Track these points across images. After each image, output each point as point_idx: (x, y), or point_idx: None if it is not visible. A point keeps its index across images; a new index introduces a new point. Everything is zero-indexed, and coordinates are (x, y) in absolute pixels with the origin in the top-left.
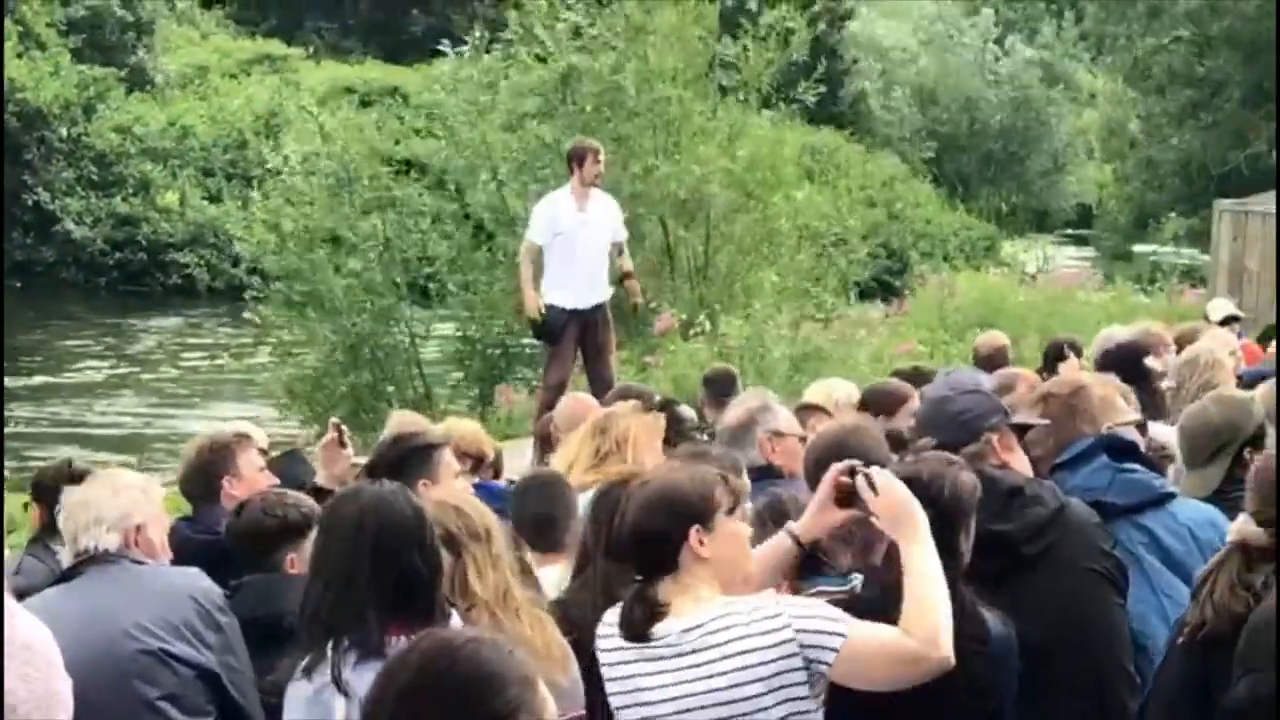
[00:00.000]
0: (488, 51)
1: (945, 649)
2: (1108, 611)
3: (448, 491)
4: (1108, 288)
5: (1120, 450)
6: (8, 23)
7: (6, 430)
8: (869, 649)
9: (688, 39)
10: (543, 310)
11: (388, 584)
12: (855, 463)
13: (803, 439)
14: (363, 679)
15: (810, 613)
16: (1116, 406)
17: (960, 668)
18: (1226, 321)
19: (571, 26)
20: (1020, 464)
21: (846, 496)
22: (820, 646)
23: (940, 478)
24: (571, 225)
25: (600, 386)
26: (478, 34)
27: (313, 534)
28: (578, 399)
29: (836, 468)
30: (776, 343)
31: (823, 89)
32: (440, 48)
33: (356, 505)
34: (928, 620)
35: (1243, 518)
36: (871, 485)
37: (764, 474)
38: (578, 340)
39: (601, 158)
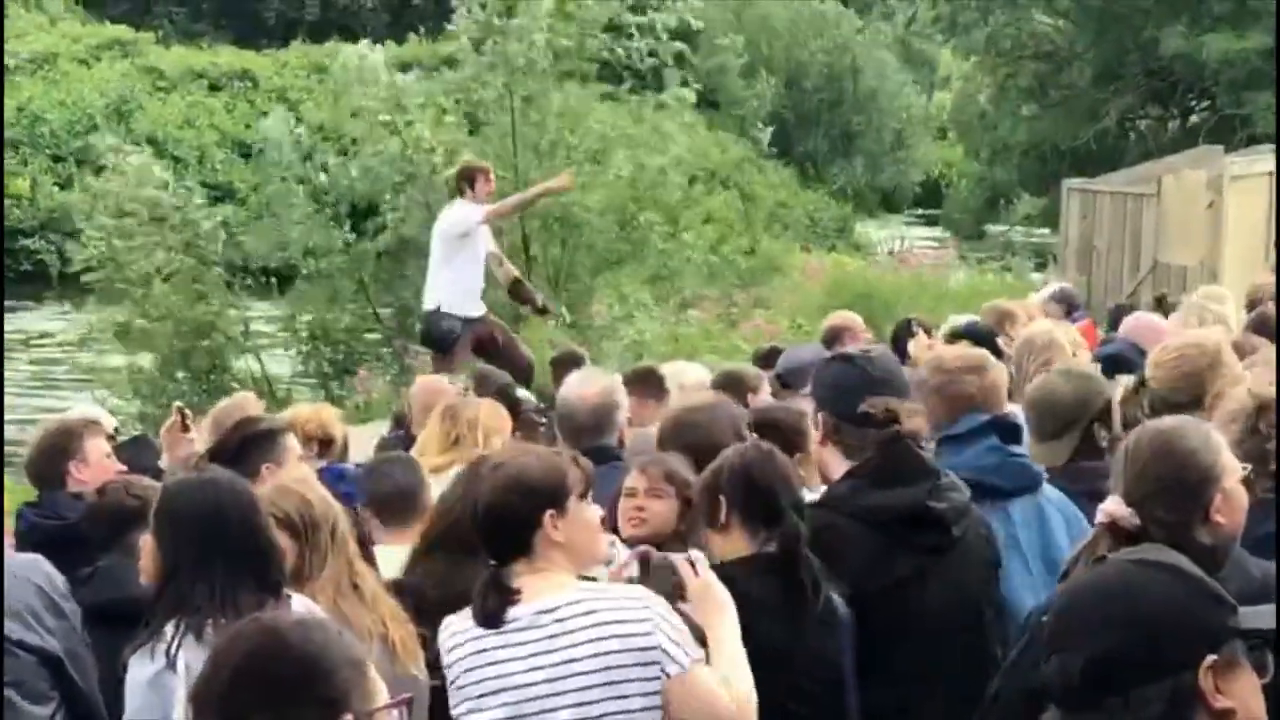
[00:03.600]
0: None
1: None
2: (997, 599)
3: (291, 477)
4: (968, 268)
5: (1008, 432)
6: None
7: None
8: (694, 691)
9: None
10: (454, 323)
11: (219, 568)
12: (674, 558)
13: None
14: (198, 658)
15: (675, 622)
16: (1004, 393)
17: (816, 644)
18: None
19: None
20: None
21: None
22: (673, 657)
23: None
24: (475, 237)
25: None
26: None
27: None
28: (429, 381)
29: (638, 550)
30: (641, 329)
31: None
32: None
33: (185, 492)
34: (743, 687)
35: (1113, 499)
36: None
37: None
38: (474, 349)
39: (492, 178)
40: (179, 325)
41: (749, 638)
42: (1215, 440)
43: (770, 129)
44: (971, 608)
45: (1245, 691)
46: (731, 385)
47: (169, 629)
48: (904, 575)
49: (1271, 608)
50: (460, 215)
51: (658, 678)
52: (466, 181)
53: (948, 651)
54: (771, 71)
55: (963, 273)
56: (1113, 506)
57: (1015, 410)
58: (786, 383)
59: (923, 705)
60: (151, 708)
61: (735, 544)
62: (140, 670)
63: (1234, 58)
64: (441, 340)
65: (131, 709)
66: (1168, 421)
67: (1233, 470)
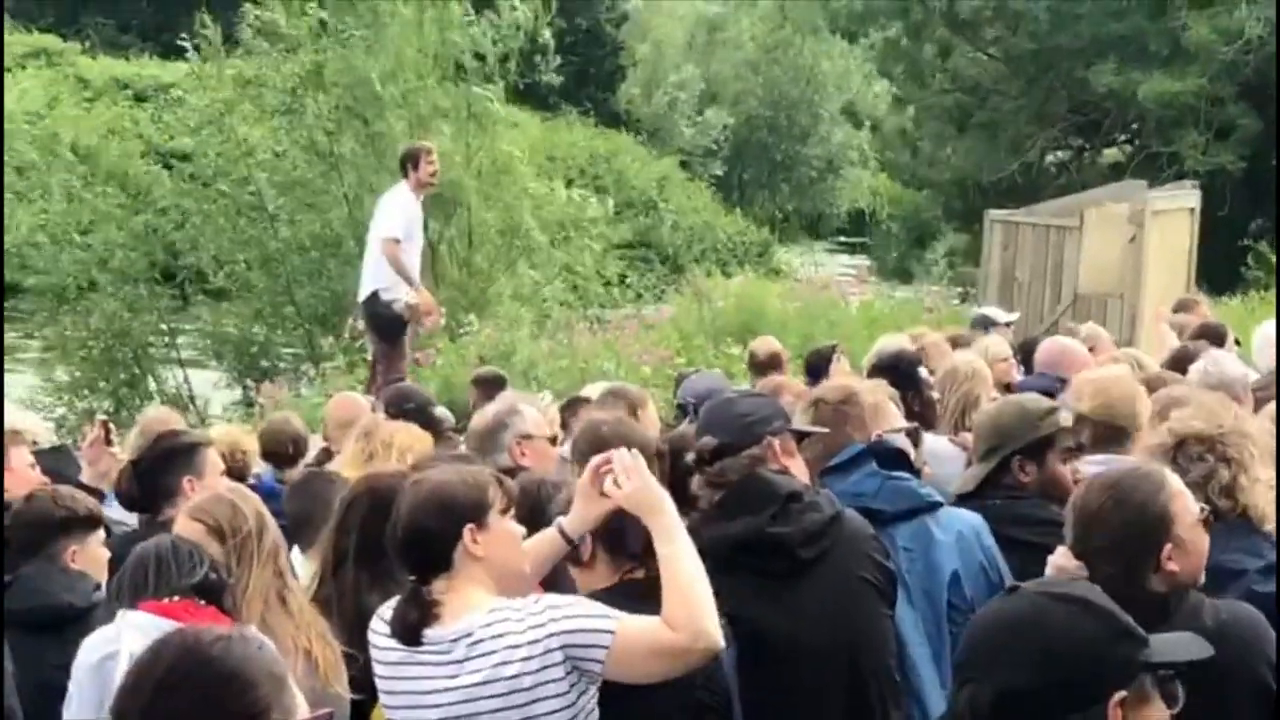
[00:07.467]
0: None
1: (711, 637)
2: (875, 621)
3: (227, 485)
4: (876, 294)
5: (889, 457)
6: None
7: None
8: (639, 646)
9: (429, 32)
10: (406, 305)
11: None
12: (614, 452)
13: (553, 439)
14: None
15: (576, 613)
16: (887, 414)
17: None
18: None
19: (316, 21)
20: (799, 469)
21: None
22: (589, 646)
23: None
24: (417, 225)
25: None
26: (209, 30)
27: (97, 531)
28: (345, 399)
29: (596, 459)
30: (534, 349)
31: (589, 88)
32: (181, 43)
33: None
34: (690, 609)
35: (1061, 550)
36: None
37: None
38: None
39: (434, 158)
40: (106, 332)
41: None
42: (1169, 488)
43: (720, 163)
44: (839, 626)
45: None
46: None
47: (119, 618)
48: (749, 603)
49: (1183, 636)
50: (395, 209)
51: (567, 689)
52: (410, 163)
53: (817, 671)
54: (719, 103)
55: (877, 299)
56: (1062, 560)
57: (934, 439)
58: (687, 411)
59: None
60: (91, 691)
61: (599, 578)
62: (89, 653)
63: (1169, 100)
64: (391, 325)
65: (73, 688)
66: (1117, 472)
67: (1186, 515)
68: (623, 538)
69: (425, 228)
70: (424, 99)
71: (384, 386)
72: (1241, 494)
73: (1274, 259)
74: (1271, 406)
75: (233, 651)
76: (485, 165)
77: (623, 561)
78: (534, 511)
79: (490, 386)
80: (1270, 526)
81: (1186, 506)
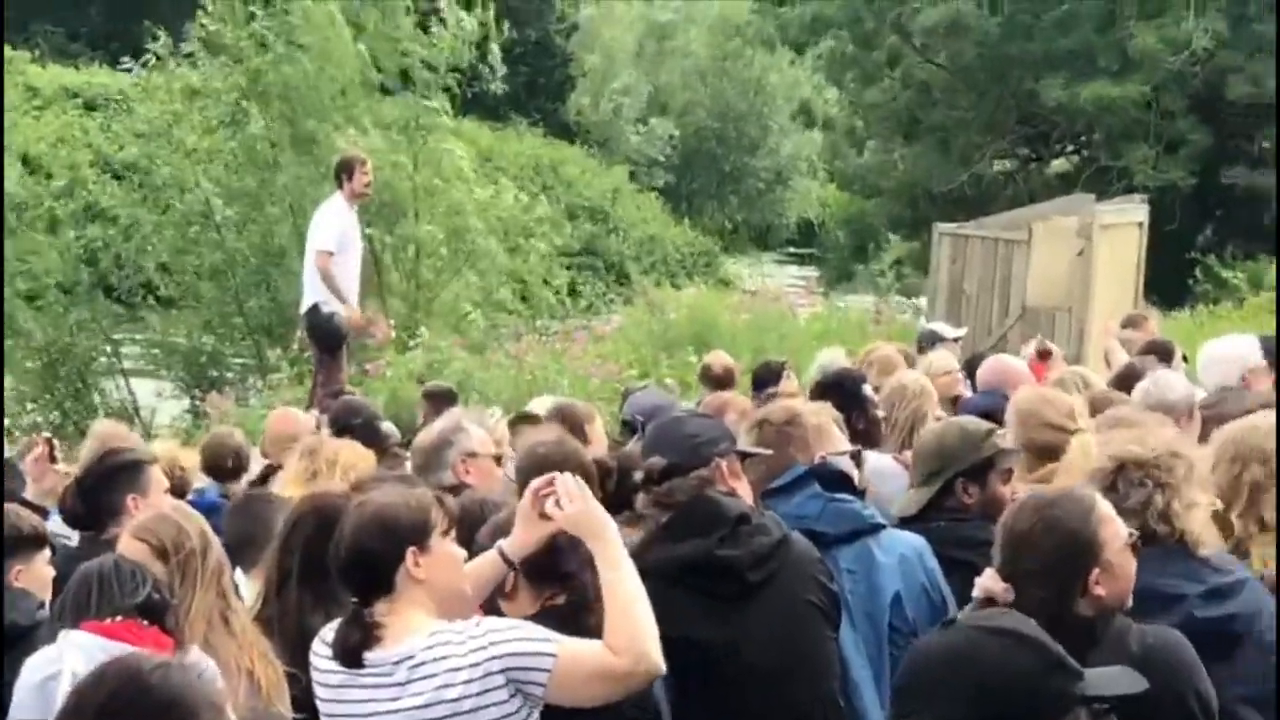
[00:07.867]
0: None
1: (652, 660)
2: (821, 644)
3: (168, 503)
4: (825, 306)
5: (832, 479)
6: None
7: None
8: (580, 669)
9: (373, 40)
10: (341, 319)
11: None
12: (554, 475)
13: (498, 458)
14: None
15: (516, 635)
16: (831, 435)
17: None
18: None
19: (257, 35)
20: (745, 491)
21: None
22: (530, 669)
23: None
24: (353, 236)
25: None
26: (159, 42)
27: (43, 550)
28: (284, 415)
29: (537, 482)
30: (468, 362)
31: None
32: (124, 64)
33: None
34: (631, 632)
35: (989, 573)
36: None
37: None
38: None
39: (368, 169)
40: (48, 346)
41: None
42: (1098, 512)
43: (668, 173)
44: (785, 649)
45: None
46: (564, 421)
47: (61, 638)
48: (696, 625)
49: (1116, 670)
50: (332, 219)
51: (514, 710)
52: (345, 173)
53: (763, 694)
54: (668, 114)
55: (826, 311)
56: (989, 582)
57: (877, 456)
58: (634, 428)
59: None
60: (33, 711)
61: (522, 606)
62: (32, 674)
63: (1111, 104)
64: (330, 337)
65: (14, 709)
66: (1047, 495)
67: (1114, 540)
68: (546, 562)
69: (367, 237)
70: (363, 108)
71: (323, 398)
72: (1177, 519)
73: (1246, 272)
74: (1224, 428)
75: (172, 679)
76: (429, 174)
77: (543, 588)
78: (474, 532)
79: (440, 401)
80: (1205, 551)
81: (1116, 531)
